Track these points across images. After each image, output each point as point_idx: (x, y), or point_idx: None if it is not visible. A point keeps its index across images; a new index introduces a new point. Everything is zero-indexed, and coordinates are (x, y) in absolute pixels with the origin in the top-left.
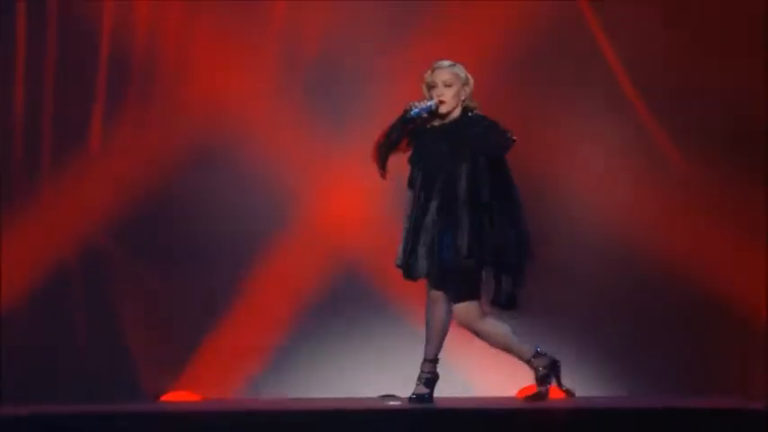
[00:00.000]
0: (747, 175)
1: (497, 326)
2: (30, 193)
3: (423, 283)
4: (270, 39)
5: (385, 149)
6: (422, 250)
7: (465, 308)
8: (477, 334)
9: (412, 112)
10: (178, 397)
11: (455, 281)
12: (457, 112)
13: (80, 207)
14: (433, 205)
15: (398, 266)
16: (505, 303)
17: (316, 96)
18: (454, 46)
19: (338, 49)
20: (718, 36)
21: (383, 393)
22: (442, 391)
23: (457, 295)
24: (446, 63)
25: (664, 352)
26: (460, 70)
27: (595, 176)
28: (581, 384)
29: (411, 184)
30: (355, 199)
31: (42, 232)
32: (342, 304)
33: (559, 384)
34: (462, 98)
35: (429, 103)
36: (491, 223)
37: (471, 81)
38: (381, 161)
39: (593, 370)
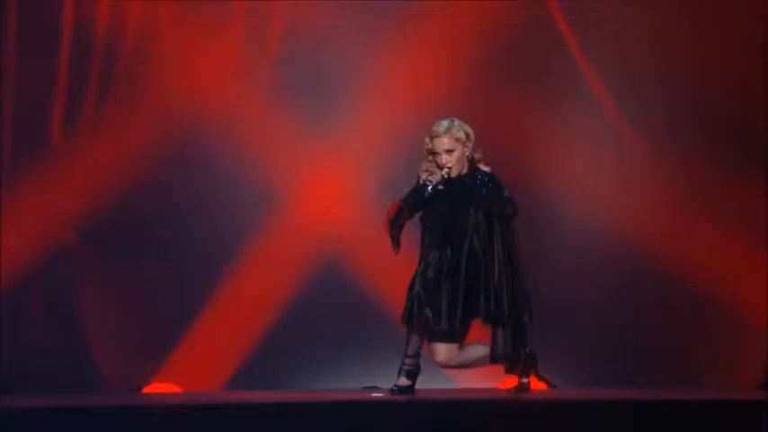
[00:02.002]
0: (747, 175)
1: (475, 350)
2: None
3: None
4: (241, 34)
5: (399, 226)
6: (428, 307)
7: (446, 349)
8: (460, 366)
9: (428, 193)
10: (160, 389)
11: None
12: (464, 168)
13: (58, 198)
14: (443, 263)
15: (405, 322)
16: (505, 362)
17: (291, 91)
18: (430, 43)
19: (310, 44)
20: (719, 35)
21: (366, 385)
22: (424, 382)
23: (442, 338)
24: (443, 128)
25: (663, 348)
26: (458, 130)
27: (591, 177)
28: (578, 379)
29: (422, 242)
30: (337, 192)
31: (25, 222)
32: (323, 297)
33: (537, 375)
34: (467, 154)
35: (440, 176)
36: (498, 282)
37: (472, 134)
38: (395, 238)
39: (590, 366)
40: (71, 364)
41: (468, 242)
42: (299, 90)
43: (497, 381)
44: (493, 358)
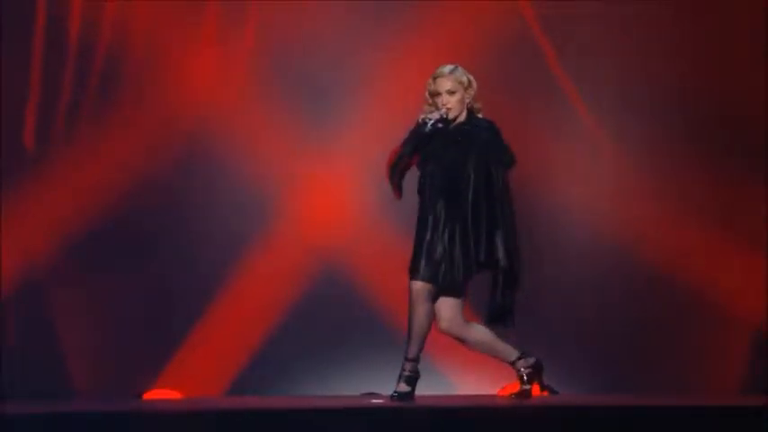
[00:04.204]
0: (747, 176)
1: (481, 332)
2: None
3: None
4: (244, 36)
5: (400, 170)
6: (433, 255)
7: (450, 313)
8: (462, 341)
9: (427, 128)
10: (160, 395)
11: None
12: (463, 116)
13: (47, 202)
14: (449, 210)
15: (414, 277)
16: (502, 316)
17: (293, 94)
18: (430, 43)
19: (316, 47)
20: (719, 36)
21: (365, 391)
22: (424, 389)
23: (445, 292)
24: (447, 70)
25: (661, 353)
26: (461, 74)
27: (591, 178)
28: (578, 386)
29: (421, 190)
30: (336, 197)
31: (26, 223)
32: (323, 302)
33: (541, 384)
34: (467, 101)
35: (438, 114)
36: (500, 229)
37: (474, 82)
38: (397, 182)
39: (589, 371)
40: (70, 369)
41: (468, 189)
42: (296, 92)
43: (498, 387)
44: (492, 308)
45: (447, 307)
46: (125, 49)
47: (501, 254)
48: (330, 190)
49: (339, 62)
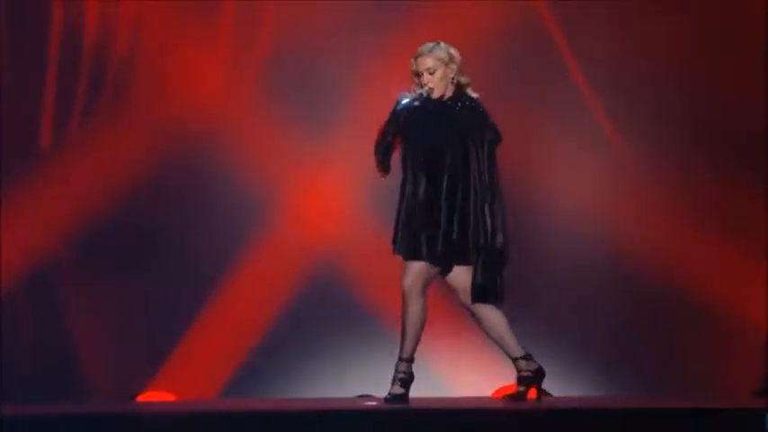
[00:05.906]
0: (747, 176)
1: (496, 313)
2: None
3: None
4: (233, 37)
5: (384, 148)
6: (418, 231)
7: (465, 284)
8: (478, 319)
9: (400, 105)
10: (154, 397)
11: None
12: (449, 92)
13: (48, 206)
14: (427, 186)
15: (396, 252)
16: (484, 294)
17: (290, 94)
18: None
19: (312, 47)
20: (718, 36)
21: (359, 393)
22: (418, 391)
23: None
24: (427, 48)
25: (660, 358)
26: (441, 51)
27: (590, 178)
28: (577, 387)
29: (404, 165)
30: (331, 198)
31: (26, 222)
32: (317, 304)
33: (538, 391)
34: (451, 76)
35: (419, 92)
36: (487, 208)
37: (457, 57)
38: (383, 161)
39: (586, 373)
40: (65, 372)
41: (447, 166)
42: (298, 94)
43: (491, 389)
44: (474, 287)
45: (461, 280)
46: (136, 49)
47: (475, 233)
48: (329, 191)
49: (342, 63)
